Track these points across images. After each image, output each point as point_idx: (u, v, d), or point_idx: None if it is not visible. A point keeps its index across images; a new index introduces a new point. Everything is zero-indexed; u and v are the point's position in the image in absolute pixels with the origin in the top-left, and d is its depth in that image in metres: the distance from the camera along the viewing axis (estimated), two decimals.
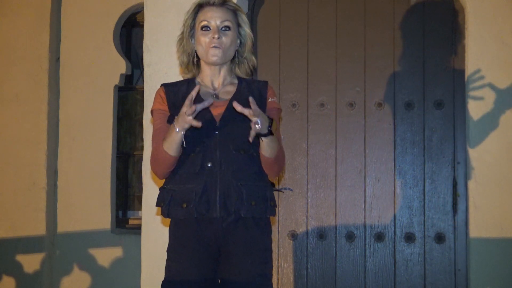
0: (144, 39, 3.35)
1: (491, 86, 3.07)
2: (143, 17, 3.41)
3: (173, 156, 2.22)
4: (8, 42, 4.43)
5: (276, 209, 2.38)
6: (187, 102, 2.12)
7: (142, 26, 3.49)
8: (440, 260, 3.15)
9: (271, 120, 2.18)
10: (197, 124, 2.11)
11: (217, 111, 2.27)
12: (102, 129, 4.39)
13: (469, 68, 3.10)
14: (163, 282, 2.28)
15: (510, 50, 3.07)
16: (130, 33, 4.80)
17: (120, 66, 4.41)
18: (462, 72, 3.17)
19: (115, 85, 4.43)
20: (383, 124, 3.24)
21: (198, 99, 2.28)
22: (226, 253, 2.26)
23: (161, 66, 3.28)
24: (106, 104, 4.40)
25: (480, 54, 3.08)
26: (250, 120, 2.16)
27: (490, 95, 3.07)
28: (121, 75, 4.42)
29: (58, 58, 4.45)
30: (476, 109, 3.08)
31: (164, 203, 2.26)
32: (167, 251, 2.31)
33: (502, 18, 3.08)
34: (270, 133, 2.16)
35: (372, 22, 3.29)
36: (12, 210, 4.33)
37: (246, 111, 2.11)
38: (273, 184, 3.25)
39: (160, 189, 2.33)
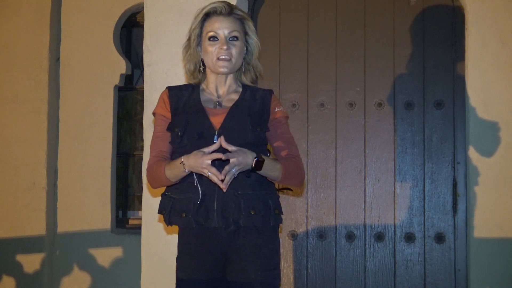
0: (144, 39, 3.35)
1: (491, 86, 3.07)
2: (143, 17, 3.41)
3: (174, 182, 2.25)
4: (8, 42, 4.43)
5: (283, 216, 2.35)
6: (210, 156, 2.10)
7: (142, 26, 3.49)
8: (440, 260, 3.15)
9: (256, 158, 2.15)
10: (214, 177, 2.11)
11: (217, 120, 2.24)
12: (102, 129, 4.39)
13: (469, 68, 3.10)
14: None
15: (510, 50, 3.07)
16: (130, 33, 4.80)
17: (120, 66, 4.41)
18: (462, 72, 3.17)
19: (115, 85, 4.43)
20: (383, 124, 3.24)
21: (198, 104, 2.29)
22: (230, 260, 2.25)
23: (161, 66, 3.28)
24: (106, 104, 4.40)
25: (480, 54, 3.08)
26: (250, 129, 2.19)
27: (490, 95, 3.07)
28: (121, 75, 4.42)
29: (58, 58, 4.45)
30: (476, 109, 3.08)
31: (166, 211, 2.28)
32: (176, 259, 2.32)
33: (502, 18, 3.08)
34: (255, 168, 2.16)
35: (372, 22, 3.29)
36: (12, 210, 4.33)
37: (229, 148, 2.11)
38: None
39: (162, 195, 2.33)
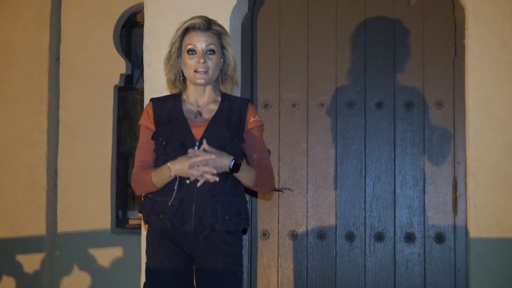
0: (144, 39, 3.35)
1: (491, 86, 3.07)
2: (143, 17, 3.41)
3: (158, 188, 2.43)
4: (8, 42, 4.43)
5: (249, 221, 2.61)
6: (194, 160, 2.30)
7: (142, 26, 3.49)
8: (440, 260, 3.15)
9: (233, 160, 2.35)
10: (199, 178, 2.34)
11: (198, 131, 2.43)
12: (102, 129, 4.39)
13: (469, 68, 3.10)
14: (144, 284, 2.45)
15: (510, 50, 3.07)
16: (130, 33, 4.80)
17: (120, 66, 4.41)
18: (462, 72, 3.16)
19: (115, 85, 4.43)
20: (383, 124, 3.24)
21: (180, 116, 2.46)
22: (201, 254, 2.41)
23: (161, 66, 3.27)
24: (106, 104, 4.40)
25: (480, 54, 3.08)
26: (229, 141, 2.40)
27: (490, 95, 3.07)
28: (121, 75, 4.42)
29: (58, 58, 4.45)
30: (476, 109, 3.08)
31: (146, 211, 2.46)
32: (146, 253, 2.49)
33: (502, 18, 3.08)
34: (234, 170, 2.36)
35: (372, 22, 3.29)
36: (12, 210, 4.33)
37: (208, 150, 2.33)
38: None
39: (144, 197, 2.51)
